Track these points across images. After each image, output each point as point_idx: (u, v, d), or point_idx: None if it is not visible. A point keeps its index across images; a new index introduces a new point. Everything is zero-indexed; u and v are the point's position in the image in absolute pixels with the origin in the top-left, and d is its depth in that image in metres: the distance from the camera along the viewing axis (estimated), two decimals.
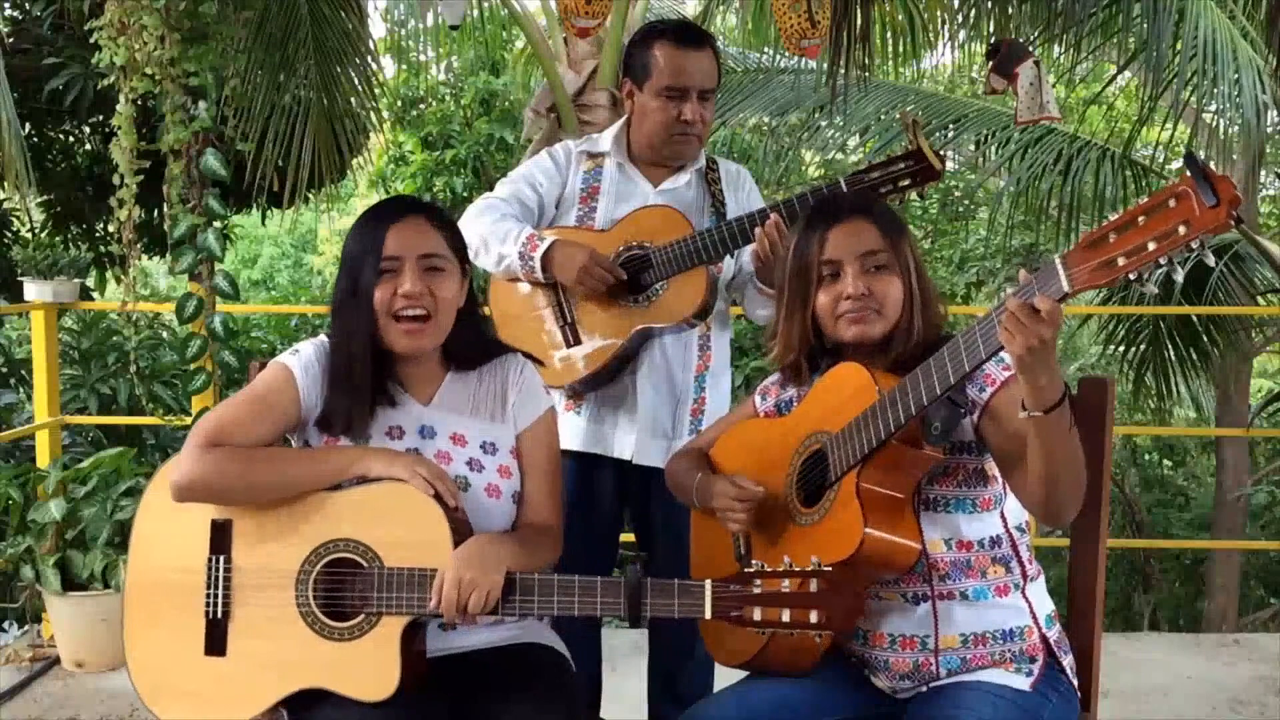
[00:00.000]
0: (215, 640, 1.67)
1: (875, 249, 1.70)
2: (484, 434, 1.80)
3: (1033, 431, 1.47)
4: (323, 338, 1.79)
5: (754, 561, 1.53)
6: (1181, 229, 1.25)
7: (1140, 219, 1.29)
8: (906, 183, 2.15)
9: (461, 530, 1.64)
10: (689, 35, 2.33)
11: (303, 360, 1.75)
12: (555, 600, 1.59)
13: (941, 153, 2.21)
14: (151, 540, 1.72)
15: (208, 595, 1.67)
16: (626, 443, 2.32)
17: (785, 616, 1.47)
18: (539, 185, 2.37)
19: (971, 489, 1.67)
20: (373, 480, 1.66)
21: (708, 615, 1.52)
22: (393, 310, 1.71)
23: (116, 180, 3.24)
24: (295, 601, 1.64)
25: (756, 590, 1.49)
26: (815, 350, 1.77)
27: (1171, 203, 1.26)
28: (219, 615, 1.67)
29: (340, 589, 1.64)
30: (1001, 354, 1.45)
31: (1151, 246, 1.27)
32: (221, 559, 1.67)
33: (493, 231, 2.25)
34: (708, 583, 1.52)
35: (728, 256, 2.27)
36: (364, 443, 1.74)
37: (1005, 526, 1.69)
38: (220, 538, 1.68)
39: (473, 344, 1.83)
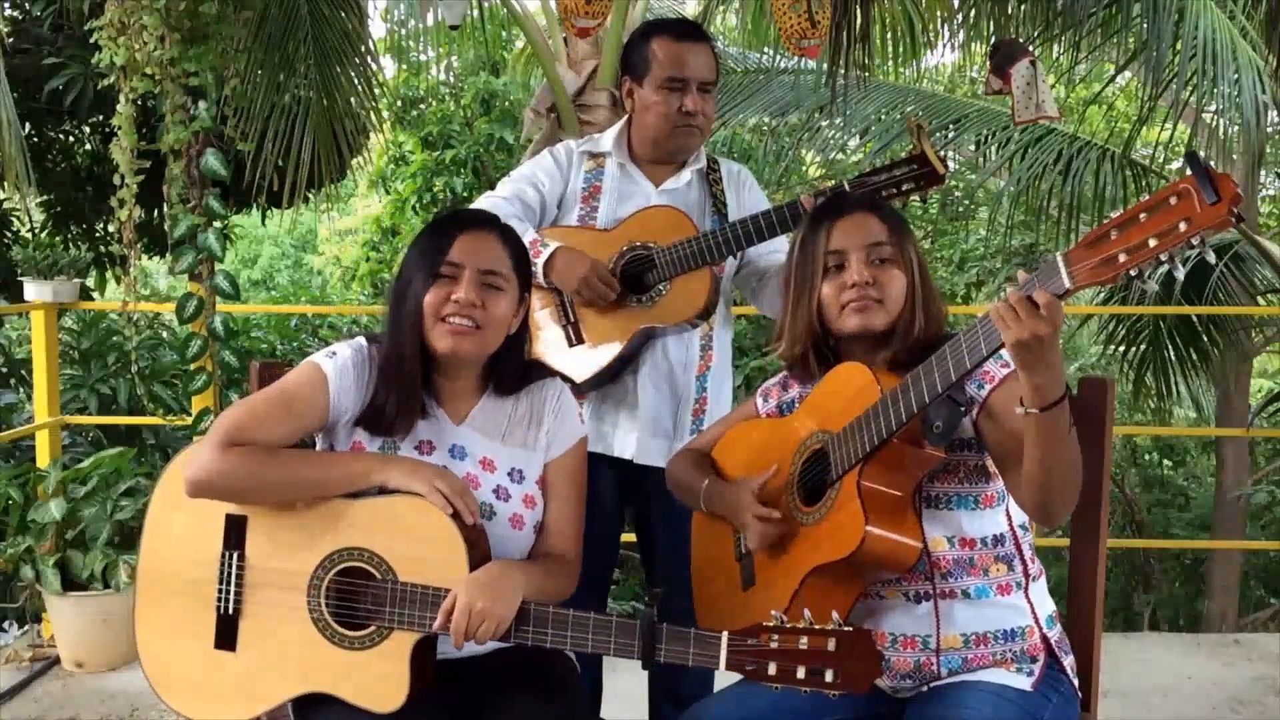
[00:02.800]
0: (225, 635, 1.67)
1: (880, 240, 1.72)
2: (513, 460, 1.78)
3: (1030, 430, 1.47)
4: (360, 341, 1.78)
5: (772, 613, 1.50)
6: (1182, 226, 1.25)
7: (1142, 216, 1.29)
8: (910, 186, 2.16)
9: (478, 549, 1.62)
10: (686, 29, 2.35)
11: (338, 363, 1.72)
12: (569, 636, 1.57)
13: (945, 157, 2.21)
14: (165, 530, 1.72)
15: (219, 590, 1.67)
16: (628, 443, 2.32)
17: (800, 674, 1.46)
18: (541, 185, 2.37)
19: (973, 486, 1.67)
20: (392, 491, 1.64)
21: (722, 668, 1.50)
22: (441, 314, 1.69)
23: (116, 180, 3.24)
24: (307, 605, 1.64)
25: (774, 646, 1.47)
26: (820, 344, 1.77)
27: (1173, 200, 1.26)
28: (230, 611, 1.67)
29: (352, 598, 1.63)
30: (1001, 351, 1.45)
31: (1152, 243, 1.27)
32: (235, 555, 1.67)
33: None
34: (724, 635, 1.50)
35: (730, 257, 2.28)
36: (394, 451, 1.72)
37: (1010, 524, 1.69)
38: (235, 533, 1.68)
39: (515, 368, 1.81)
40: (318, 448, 1.78)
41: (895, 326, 1.71)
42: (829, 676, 1.45)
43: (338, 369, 1.72)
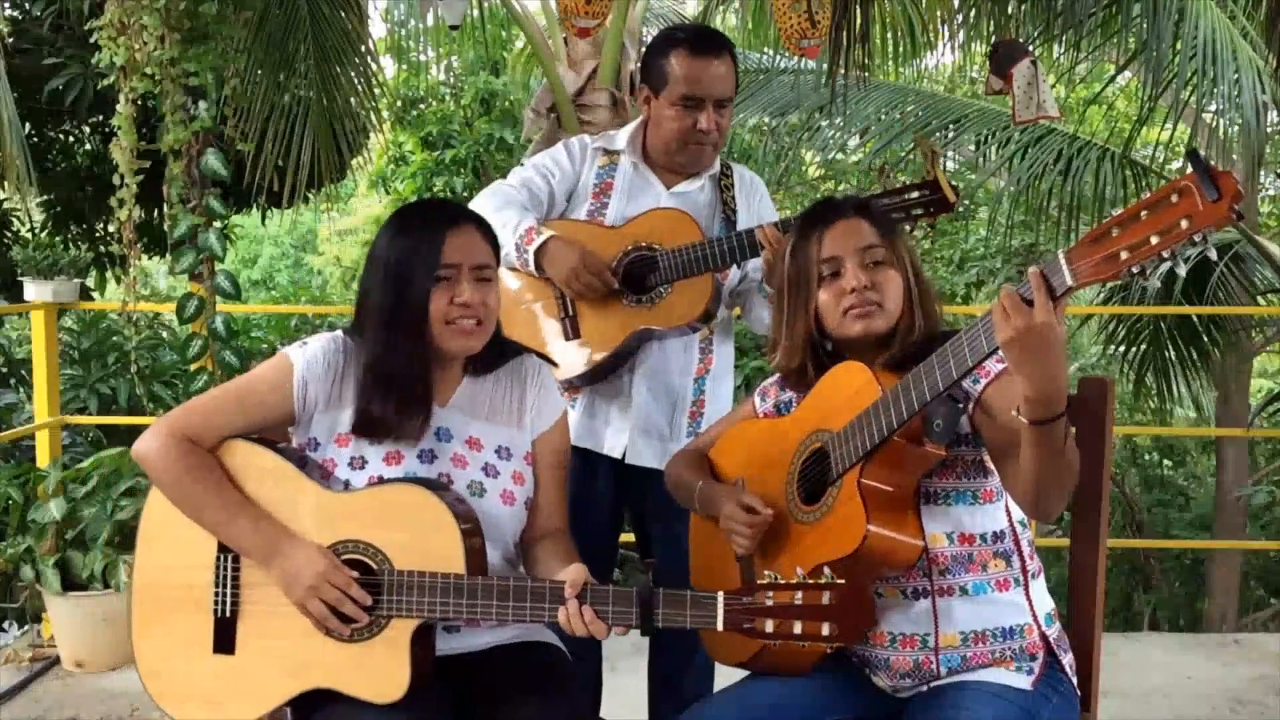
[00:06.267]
0: (224, 638, 1.67)
1: (873, 243, 1.72)
2: (499, 439, 1.79)
3: (1024, 435, 1.46)
4: (338, 333, 1.77)
5: (765, 572, 1.51)
6: (1184, 223, 1.25)
7: (1143, 214, 1.29)
8: (919, 212, 2.16)
9: (472, 534, 1.63)
10: (706, 43, 2.28)
11: (307, 356, 1.73)
12: None
13: (956, 185, 2.21)
14: (158, 539, 1.72)
15: (216, 593, 1.67)
16: (618, 441, 2.32)
17: (797, 629, 1.46)
18: (551, 176, 2.36)
19: (971, 480, 1.67)
20: (385, 481, 1.66)
21: (720, 627, 1.51)
22: (448, 318, 1.70)
23: (116, 180, 3.25)
24: None
25: (769, 603, 1.48)
26: (819, 352, 1.77)
27: (1174, 198, 1.26)
28: (227, 613, 1.67)
29: None
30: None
31: (1154, 240, 1.28)
32: (229, 557, 1.67)
33: (494, 220, 2.25)
34: (720, 595, 1.51)
35: (734, 266, 2.27)
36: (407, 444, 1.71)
37: (1009, 520, 1.69)
38: None
39: (492, 347, 1.80)
40: (294, 443, 1.78)
41: (896, 328, 1.71)
42: (826, 630, 1.46)
43: (307, 359, 1.73)
